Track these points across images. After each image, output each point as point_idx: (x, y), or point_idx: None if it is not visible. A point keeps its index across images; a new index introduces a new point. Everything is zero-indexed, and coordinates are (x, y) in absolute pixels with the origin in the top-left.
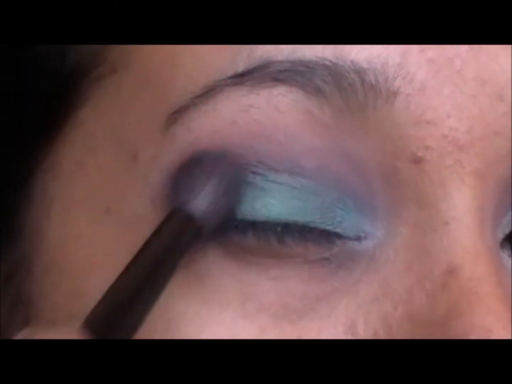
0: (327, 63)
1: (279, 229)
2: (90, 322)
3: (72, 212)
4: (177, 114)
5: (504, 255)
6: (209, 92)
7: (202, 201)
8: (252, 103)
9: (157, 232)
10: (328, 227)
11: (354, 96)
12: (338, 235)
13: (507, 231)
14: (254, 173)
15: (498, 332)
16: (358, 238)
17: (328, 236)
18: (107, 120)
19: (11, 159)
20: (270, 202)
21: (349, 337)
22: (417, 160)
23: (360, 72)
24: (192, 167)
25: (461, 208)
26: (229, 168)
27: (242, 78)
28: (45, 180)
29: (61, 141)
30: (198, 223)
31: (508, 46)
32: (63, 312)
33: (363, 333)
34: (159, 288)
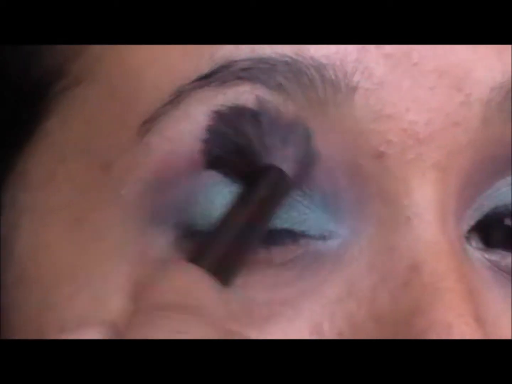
0: (287, 59)
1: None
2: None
3: (41, 222)
4: (149, 123)
5: (470, 247)
6: (177, 97)
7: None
8: (222, 102)
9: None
10: (293, 226)
11: (315, 92)
12: (302, 235)
13: (472, 222)
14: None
15: (459, 327)
16: (322, 238)
17: (292, 237)
18: (75, 131)
19: None
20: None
21: (315, 338)
22: (379, 155)
23: (319, 68)
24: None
25: (423, 203)
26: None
27: (206, 79)
28: (15, 190)
29: (30, 152)
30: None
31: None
32: (34, 324)
33: (328, 333)
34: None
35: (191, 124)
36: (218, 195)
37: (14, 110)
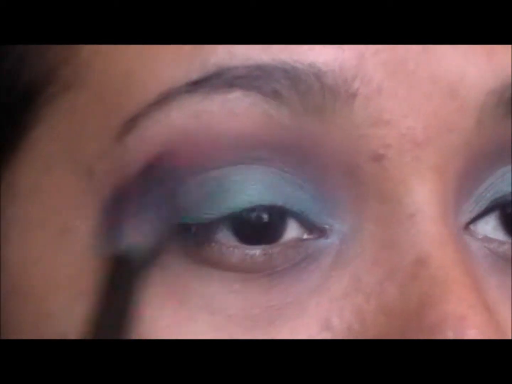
0: (285, 66)
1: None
2: None
3: (30, 234)
4: (130, 124)
5: (469, 237)
6: (163, 100)
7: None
8: (205, 108)
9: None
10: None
11: (312, 99)
12: (302, 238)
13: (472, 215)
14: (207, 181)
15: (472, 318)
16: (323, 235)
17: (293, 236)
18: (63, 138)
19: None
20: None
21: (324, 333)
22: (378, 158)
23: (318, 74)
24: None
25: (424, 201)
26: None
27: (195, 85)
28: (3, 202)
29: (17, 162)
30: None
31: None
32: (33, 334)
33: (337, 328)
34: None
35: (166, 128)
36: (203, 195)
37: (2, 121)
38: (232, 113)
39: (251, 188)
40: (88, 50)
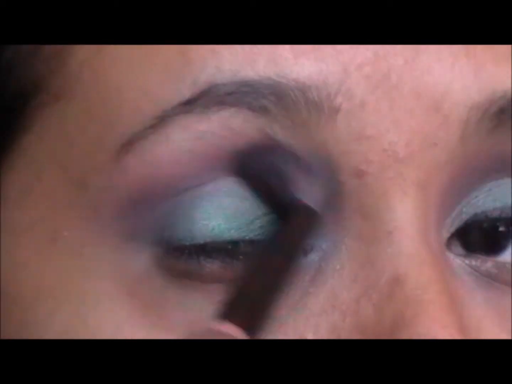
0: (270, 82)
1: (222, 251)
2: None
3: (19, 240)
4: (128, 146)
5: (451, 254)
6: (159, 122)
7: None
8: (206, 129)
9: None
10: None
11: (298, 114)
12: None
13: (452, 230)
14: (198, 197)
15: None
16: (304, 252)
17: None
18: (52, 147)
19: None
20: (212, 225)
21: None
22: (360, 174)
23: (303, 89)
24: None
25: (404, 218)
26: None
27: (189, 105)
28: None
29: (6, 168)
30: None
31: (441, 58)
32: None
33: None
34: None
35: (172, 149)
36: (198, 210)
37: None
38: (232, 130)
39: (226, 222)
40: (76, 62)
